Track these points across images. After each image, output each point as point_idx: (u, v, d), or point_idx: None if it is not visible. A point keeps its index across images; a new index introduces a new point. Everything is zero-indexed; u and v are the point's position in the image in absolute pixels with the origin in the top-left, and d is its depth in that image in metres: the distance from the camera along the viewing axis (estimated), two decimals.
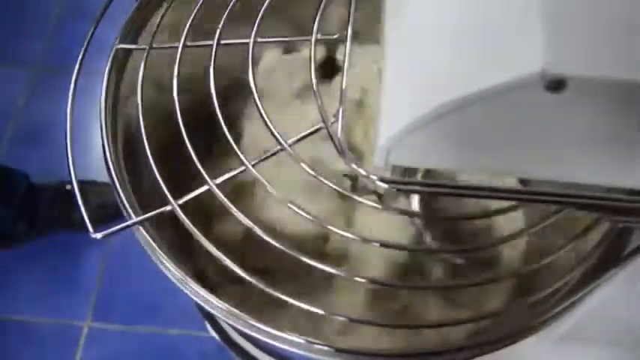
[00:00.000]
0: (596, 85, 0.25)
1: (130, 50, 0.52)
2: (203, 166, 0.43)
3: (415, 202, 0.55)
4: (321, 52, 0.61)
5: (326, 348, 0.41)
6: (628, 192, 0.33)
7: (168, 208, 0.43)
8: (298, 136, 0.43)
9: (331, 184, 0.40)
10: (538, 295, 0.41)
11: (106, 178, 0.47)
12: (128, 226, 0.44)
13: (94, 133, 0.49)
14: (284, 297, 0.40)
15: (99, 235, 0.44)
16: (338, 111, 0.40)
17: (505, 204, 0.39)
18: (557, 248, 0.41)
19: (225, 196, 0.42)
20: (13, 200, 0.82)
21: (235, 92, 0.57)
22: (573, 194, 0.34)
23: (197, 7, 0.50)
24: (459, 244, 0.57)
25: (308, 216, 0.40)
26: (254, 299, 0.54)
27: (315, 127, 0.42)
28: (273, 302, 0.41)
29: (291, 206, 0.41)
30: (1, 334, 0.80)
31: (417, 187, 0.36)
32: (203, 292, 0.43)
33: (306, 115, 0.58)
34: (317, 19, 0.45)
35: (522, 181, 0.35)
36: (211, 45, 0.47)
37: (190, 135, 0.44)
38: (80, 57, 0.50)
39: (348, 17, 0.42)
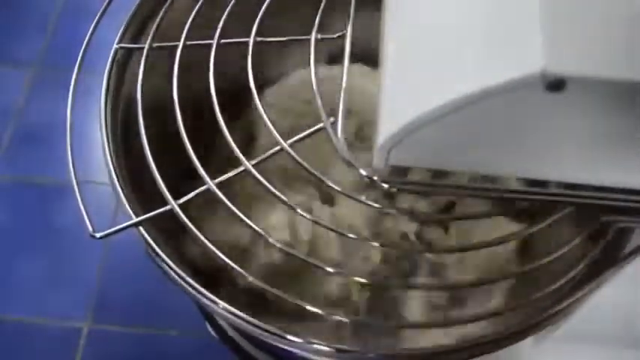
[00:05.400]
0: (596, 85, 0.25)
1: (130, 50, 0.52)
2: (203, 166, 0.43)
3: None
4: None
5: (326, 348, 0.41)
6: (628, 192, 0.33)
7: (168, 208, 0.43)
8: (298, 136, 0.43)
9: (332, 185, 0.40)
10: (537, 294, 0.41)
11: (106, 178, 0.47)
12: (128, 226, 0.44)
13: (94, 133, 0.49)
14: (285, 296, 0.40)
15: (99, 235, 0.44)
16: (338, 111, 0.40)
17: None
18: (557, 248, 0.41)
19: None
20: None
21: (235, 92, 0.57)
22: (573, 194, 0.34)
23: (197, 6, 0.50)
24: None
25: (308, 216, 0.40)
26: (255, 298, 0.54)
27: (315, 127, 0.42)
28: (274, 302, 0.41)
29: (293, 205, 0.41)
30: (0, 334, 0.80)
31: (418, 187, 0.36)
32: (203, 291, 0.43)
33: None
34: (317, 19, 0.45)
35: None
36: (211, 44, 0.47)
37: (190, 135, 0.44)
38: (80, 57, 0.50)
39: (348, 17, 0.42)
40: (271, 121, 0.43)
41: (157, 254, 0.44)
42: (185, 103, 0.46)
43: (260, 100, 0.44)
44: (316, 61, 0.43)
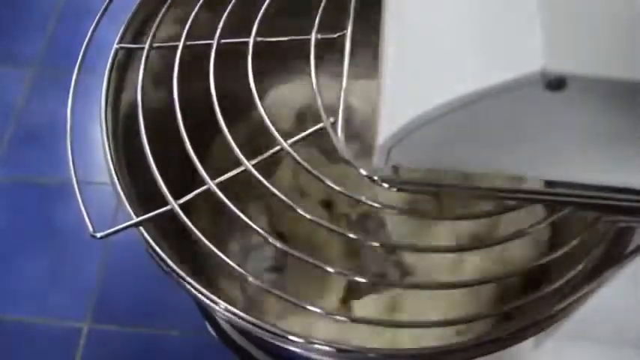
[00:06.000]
0: (597, 84, 0.25)
1: (130, 50, 0.52)
2: (203, 166, 0.43)
3: None
4: None
5: (327, 348, 0.41)
6: (628, 192, 0.33)
7: (168, 208, 0.43)
8: (298, 137, 0.43)
9: (332, 185, 0.40)
10: (538, 294, 0.41)
11: (106, 178, 0.47)
12: (128, 226, 0.44)
13: (94, 133, 0.49)
14: (284, 296, 0.40)
15: (99, 235, 0.44)
16: (338, 111, 0.40)
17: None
18: (557, 248, 0.41)
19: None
20: None
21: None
22: (573, 194, 0.34)
23: (197, 6, 0.50)
24: None
25: (307, 215, 0.40)
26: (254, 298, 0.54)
27: (316, 127, 0.42)
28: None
29: (293, 206, 0.41)
30: (0, 334, 0.80)
31: (417, 187, 0.36)
32: (203, 291, 0.43)
33: None
34: (317, 19, 0.45)
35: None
36: (211, 44, 0.47)
37: (190, 135, 0.44)
38: (80, 57, 0.50)
39: (348, 17, 0.42)
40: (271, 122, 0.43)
41: (157, 254, 0.44)
42: (185, 103, 0.46)
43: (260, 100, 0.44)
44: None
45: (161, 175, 0.44)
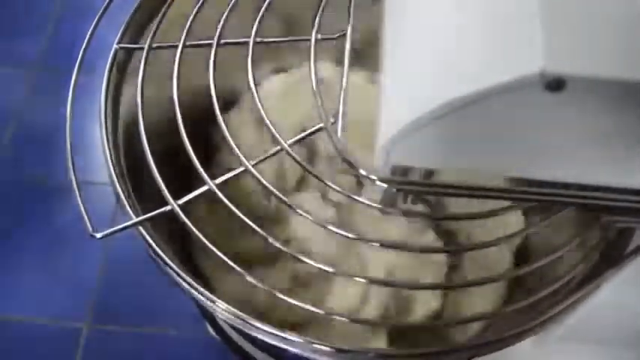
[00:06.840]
0: (596, 84, 0.25)
1: (130, 50, 0.52)
2: (203, 167, 0.43)
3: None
4: None
5: (326, 348, 0.41)
6: (628, 192, 0.33)
7: (168, 208, 0.43)
8: (298, 137, 0.43)
9: (332, 185, 0.40)
10: (538, 295, 0.41)
11: (106, 178, 0.47)
12: (128, 226, 0.44)
13: (94, 133, 0.49)
14: (284, 297, 0.40)
15: (99, 235, 0.44)
16: (338, 111, 0.40)
17: (505, 203, 0.39)
18: (557, 248, 0.41)
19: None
20: None
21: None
22: (573, 194, 0.34)
23: (197, 6, 0.50)
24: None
25: (308, 216, 0.40)
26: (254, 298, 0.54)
27: (315, 128, 0.42)
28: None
29: (293, 206, 0.41)
30: (0, 334, 0.80)
31: (417, 187, 0.36)
32: (203, 291, 0.43)
33: None
34: (317, 19, 0.45)
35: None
36: (211, 44, 0.47)
37: (190, 135, 0.44)
38: (80, 57, 0.50)
39: (348, 17, 0.42)
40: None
41: (157, 254, 0.44)
42: (185, 103, 0.46)
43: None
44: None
45: (161, 175, 0.44)
